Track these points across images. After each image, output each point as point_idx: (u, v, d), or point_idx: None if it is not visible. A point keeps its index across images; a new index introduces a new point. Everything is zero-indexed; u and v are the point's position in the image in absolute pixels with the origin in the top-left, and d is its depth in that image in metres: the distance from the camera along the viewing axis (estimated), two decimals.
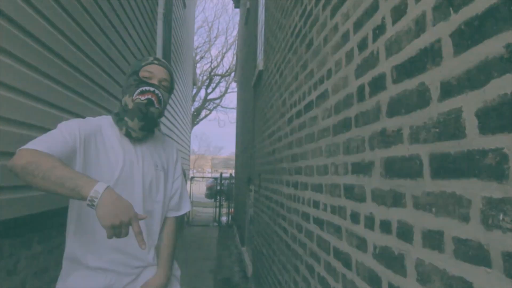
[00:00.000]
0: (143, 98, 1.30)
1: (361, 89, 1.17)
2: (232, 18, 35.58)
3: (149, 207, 1.35)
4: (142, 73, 1.34)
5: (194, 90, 15.98)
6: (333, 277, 1.39)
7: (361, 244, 1.14)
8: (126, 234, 0.99)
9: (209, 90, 19.06)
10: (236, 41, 17.07)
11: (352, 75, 1.24)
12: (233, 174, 11.25)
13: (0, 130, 1.37)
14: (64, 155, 1.11)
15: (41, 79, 1.64)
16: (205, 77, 18.88)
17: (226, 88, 19.77)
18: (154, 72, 1.35)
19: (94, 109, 2.28)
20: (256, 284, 3.92)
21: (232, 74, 19.21)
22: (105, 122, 1.34)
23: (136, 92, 1.31)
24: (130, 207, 1.00)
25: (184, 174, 1.55)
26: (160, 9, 4.41)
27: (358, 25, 1.21)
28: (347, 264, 1.25)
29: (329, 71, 1.50)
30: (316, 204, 1.66)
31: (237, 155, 9.46)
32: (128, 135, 1.32)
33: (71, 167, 1.10)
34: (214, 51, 32.95)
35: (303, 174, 1.92)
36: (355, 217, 1.20)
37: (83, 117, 1.36)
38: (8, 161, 1.05)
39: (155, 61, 1.38)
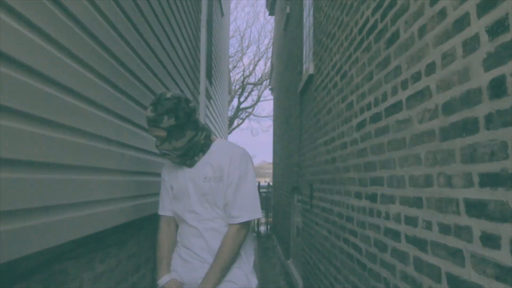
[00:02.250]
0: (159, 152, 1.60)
1: (497, 82, 0.95)
2: (264, 26, 35.62)
3: (206, 222, 1.56)
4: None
5: (228, 98, 15.99)
6: None
7: (505, 275, 0.91)
8: None
9: (242, 99, 19.05)
10: (270, 49, 17.00)
11: (478, 66, 1.03)
12: (270, 183, 11.05)
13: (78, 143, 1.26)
14: (169, 201, 1.68)
15: (101, 83, 1.53)
16: (237, 86, 18.89)
17: (259, 97, 19.71)
18: (151, 134, 1.55)
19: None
20: None
21: (264, 83, 19.15)
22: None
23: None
24: None
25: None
26: (203, 17, 4.33)
27: (485, 6, 1.00)
28: None
29: (431, 65, 1.28)
30: (411, 221, 1.43)
31: (275, 164, 9.26)
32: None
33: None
34: (246, 60, 33.08)
35: (386, 185, 1.69)
36: (490, 241, 0.97)
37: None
38: None
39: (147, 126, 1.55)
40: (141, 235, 2.26)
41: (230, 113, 18.63)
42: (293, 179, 5.20)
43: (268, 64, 19.04)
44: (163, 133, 1.48)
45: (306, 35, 4.30)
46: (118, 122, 1.68)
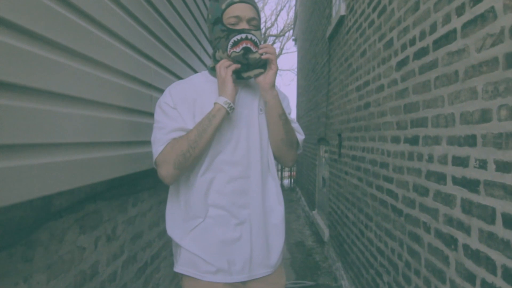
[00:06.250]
0: (238, 50, 1.16)
1: None
2: None
3: (253, 157, 1.23)
4: (227, 20, 1.18)
5: None
6: (503, 253, 1.08)
7: None
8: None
9: None
10: None
11: None
12: None
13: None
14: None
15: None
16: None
17: (281, 49, 19.13)
18: (240, 14, 1.18)
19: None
20: (336, 249, 3.71)
21: (287, 34, 18.51)
22: (200, 81, 1.26)
23: (229, 46, 1.17)
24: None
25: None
26: None
27: None
28: None
29: None
30: (460, 161, 1.32)
31: (299, 117, 9.12)
32: None
33: None
34: (267, 11, 31.65)
35: (430, 125, 1.57)
36: None
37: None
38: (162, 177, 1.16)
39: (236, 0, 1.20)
40: None
41: None
42: (319, 131, 5.09)
43: (291, 14, 18.31)
44: (257, 18, 1.21)
45: None
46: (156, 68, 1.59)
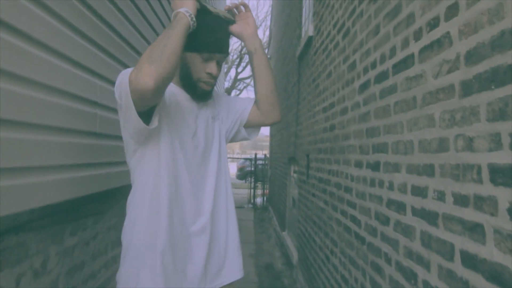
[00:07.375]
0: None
1: None
2: None
3: (203, 168, 1.22)
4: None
5: (225, 69, 15.58)
6: None
7: None
8: None
9: (240, 69, 18.61)
10: (269, 16, 16.48)
11: None
12: (267, 155, 10.94)
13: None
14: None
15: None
16: (235, 56, 18.40)
17: None
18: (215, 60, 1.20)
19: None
20: (304, 273, 3.60)
21: None
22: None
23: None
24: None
25: None
26: None
27: None
28: (499, 280, 0.86)
29: (453, 7, 1.07)
30: (419, 191, 1.26)
31: (272, 135, 9.08)
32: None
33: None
34: None
35: (390, 152, 1.52)
36: None
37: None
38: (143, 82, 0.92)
39: None
40: (123, 206, 2.09)
41: (227, 84, 18.25)
42: (289, 150, 5.04)
43: (267, 33, 18.55)
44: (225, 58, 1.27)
45: None
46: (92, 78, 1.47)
